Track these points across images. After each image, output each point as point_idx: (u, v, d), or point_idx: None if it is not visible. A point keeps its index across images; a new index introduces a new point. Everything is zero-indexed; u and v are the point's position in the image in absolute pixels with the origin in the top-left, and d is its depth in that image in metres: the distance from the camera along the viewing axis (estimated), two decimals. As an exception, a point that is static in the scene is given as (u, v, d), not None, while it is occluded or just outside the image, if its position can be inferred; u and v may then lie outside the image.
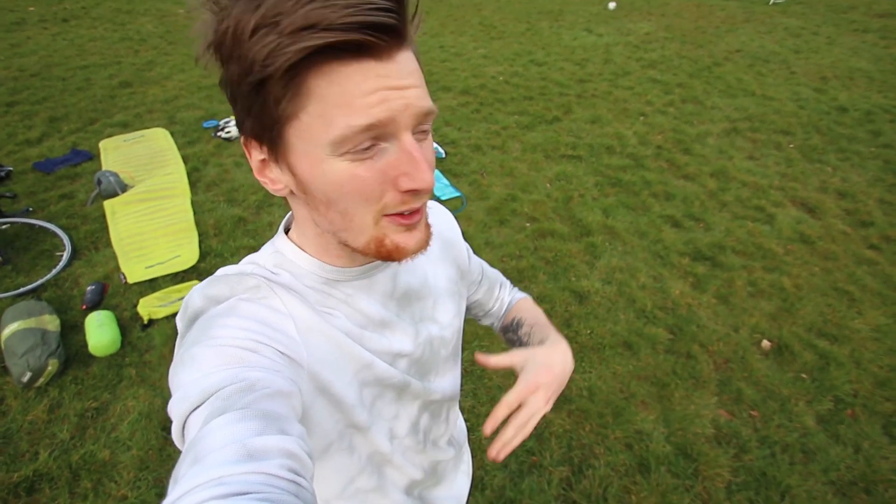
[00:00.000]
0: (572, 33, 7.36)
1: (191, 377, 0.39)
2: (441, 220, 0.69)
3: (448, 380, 0.68)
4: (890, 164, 3.81)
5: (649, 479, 1.74)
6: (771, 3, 9.68)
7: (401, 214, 0.44)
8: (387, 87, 0.38)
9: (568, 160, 3.84)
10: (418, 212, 0.45)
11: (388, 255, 0.46)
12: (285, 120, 0.40)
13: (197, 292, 0.48)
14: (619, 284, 2.61)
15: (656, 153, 3.97)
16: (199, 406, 0.37)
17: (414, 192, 0.42)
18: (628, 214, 3.21)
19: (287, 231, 0.54)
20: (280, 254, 0.52)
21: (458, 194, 3.32)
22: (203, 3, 0.38)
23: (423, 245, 0.48)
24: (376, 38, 0.36)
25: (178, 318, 0.49)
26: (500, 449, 0.57)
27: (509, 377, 2.11)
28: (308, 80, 0.38)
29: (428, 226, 0.49)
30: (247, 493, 0.30)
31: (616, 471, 1.77)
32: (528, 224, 3.09)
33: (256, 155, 0.45)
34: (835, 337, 2.34)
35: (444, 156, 3.75)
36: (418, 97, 0.40)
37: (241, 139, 0.45)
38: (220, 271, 0.50)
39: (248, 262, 0.52)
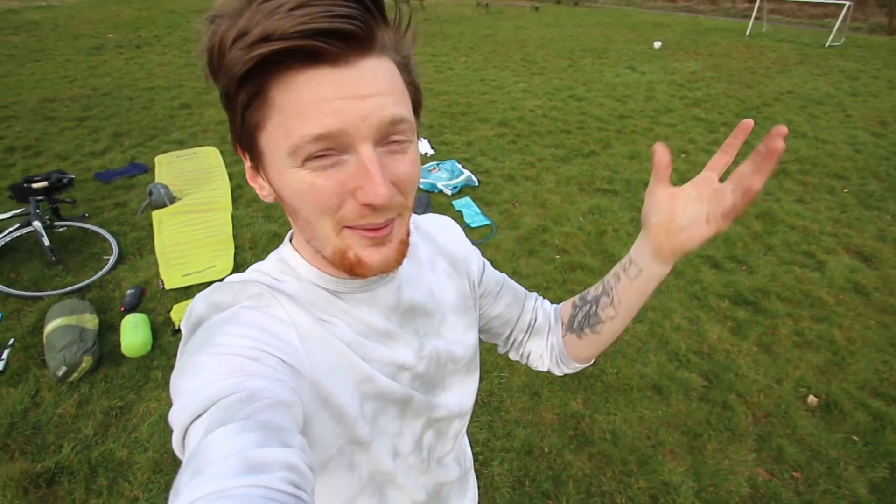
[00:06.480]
0: (615, 70, 7.38)
1: (192, 385, 0.39)
2: (446, 235, 0.67)
3: (456, 396, 0.65)
4: (958, 215, 3.54)
5: (674, 537, 1.61)
6: (827, 45, 9.43)
7: (364, 227, 0.43)
8: (342, 96, 0.37)
9: (603, 194, 3.78)
10: (386, 227, 0.44)
11: (351, 268, 0.45)
12: (256, 129, 0.41)
13: (201, 298, 0.48)
14: (651, 324, 2.50)
15: (697, 191, 3.85)
16: (200, 415, 0.37)
17: (370, 207, 0.40)
18: (664, 252, 3.09)
19: (292, 240, 0.54)
20: (284, 262, 0.52)
21: (487, 222, 3.31)
22: (203, 23, 0.40)
23: (392, 264, 0.46)
24: (328, 44, 0.36)
25: (182, 324, 0.49)
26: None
27: (528, 411, 2.02)
28: (270, 90, 0.39)
29: (403, 244, 0.47)
30: None
31: (638, 524, 1.65)
32: (557, 256, 3.03)
33: (246, 162, 0.46)
34: (892, 398, 2.12)
35: (476, 184, 3.78)
36: (380, 106, 0.39)
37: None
38: (227, 279, 0.51)
39: (254, 270, 0.52)
